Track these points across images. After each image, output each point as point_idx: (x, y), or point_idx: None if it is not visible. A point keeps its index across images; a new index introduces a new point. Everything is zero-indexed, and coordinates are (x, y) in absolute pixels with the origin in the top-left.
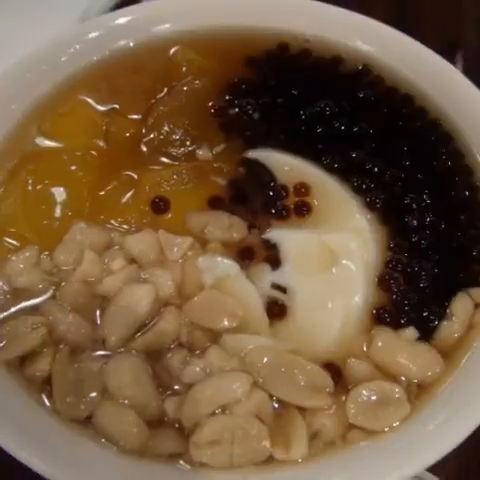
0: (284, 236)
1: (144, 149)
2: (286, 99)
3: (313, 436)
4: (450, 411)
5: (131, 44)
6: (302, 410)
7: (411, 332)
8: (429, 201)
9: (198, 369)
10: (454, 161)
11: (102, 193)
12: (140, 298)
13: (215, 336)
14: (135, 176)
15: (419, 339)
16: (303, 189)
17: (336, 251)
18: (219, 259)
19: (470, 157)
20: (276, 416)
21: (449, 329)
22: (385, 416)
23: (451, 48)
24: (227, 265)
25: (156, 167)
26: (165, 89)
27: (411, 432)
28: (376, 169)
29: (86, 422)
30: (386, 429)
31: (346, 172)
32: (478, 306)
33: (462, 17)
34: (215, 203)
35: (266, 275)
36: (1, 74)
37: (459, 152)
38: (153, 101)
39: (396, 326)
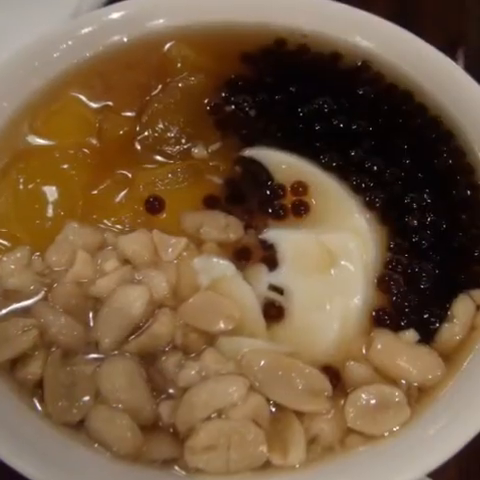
0: (281, 236)
1: (138, 147)
2: (283, 96)
3: (311, 441)
4: (451, 415)
5: (125, 39)
6: (300, 414)
7: (411, 334)
8: (430, 200)
9: (193, 372)
10: (455, 159)
11: (95, 192)
12: (134, 300)
13: (211, 338)
14: (129, 175)
15: (419, 342)
16: (301, 188)
17: (334, 251)
18: (215, 260)
19: (471, 155)
20: (273, 420)
21: (450, 331)
22: (385, 420)
23: (452, 45)
24: (223, 266)
25: (150, 166)
26: (160, 86)
27: (411, 436)
28: (375, 168)
29: (79, 426)
30: (386, 434)
31: (345, 171)
32: None
33: (464, 15)
34: (211, 202)
35: (263, 276)
36: None
37: (460, 150)
38: (147, 98)
39: (396, 328)
